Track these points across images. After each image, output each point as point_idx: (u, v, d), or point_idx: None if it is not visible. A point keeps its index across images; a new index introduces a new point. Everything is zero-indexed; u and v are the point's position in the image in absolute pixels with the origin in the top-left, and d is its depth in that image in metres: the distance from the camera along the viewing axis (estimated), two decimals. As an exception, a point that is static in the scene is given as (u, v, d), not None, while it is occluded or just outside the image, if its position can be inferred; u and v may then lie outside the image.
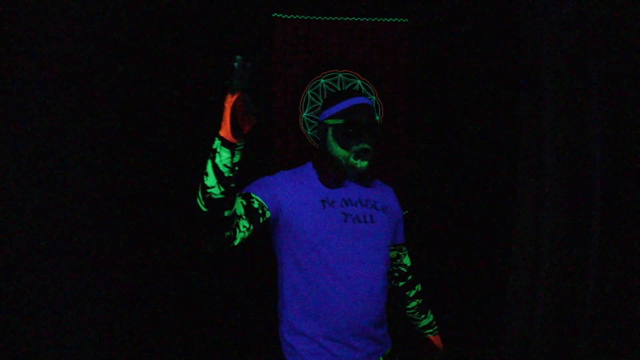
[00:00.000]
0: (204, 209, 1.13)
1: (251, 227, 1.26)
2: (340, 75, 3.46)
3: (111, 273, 2.27)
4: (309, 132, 3.47)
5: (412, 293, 1.67)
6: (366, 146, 1.41)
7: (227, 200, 1.13)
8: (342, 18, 3.41)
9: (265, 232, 1.42)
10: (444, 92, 3.30)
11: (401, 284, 1.66)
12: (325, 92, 3.46)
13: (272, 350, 1.49)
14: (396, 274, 1.66)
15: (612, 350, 1.96)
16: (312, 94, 3.45)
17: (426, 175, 3.32)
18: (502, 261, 2.84)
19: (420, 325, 1.69)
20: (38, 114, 1.84)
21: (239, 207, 1.24)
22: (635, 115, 1.88)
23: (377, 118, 3.46)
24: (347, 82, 3.46)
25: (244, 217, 1.24)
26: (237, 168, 1.15)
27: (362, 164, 1.42)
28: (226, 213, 1.14)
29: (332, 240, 1.36)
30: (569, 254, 2.11)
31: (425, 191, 3.32)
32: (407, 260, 1.68)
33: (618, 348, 1.94)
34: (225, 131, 1.11)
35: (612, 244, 1.99)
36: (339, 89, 3.44)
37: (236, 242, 1.23)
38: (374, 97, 3.47)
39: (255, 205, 1.30)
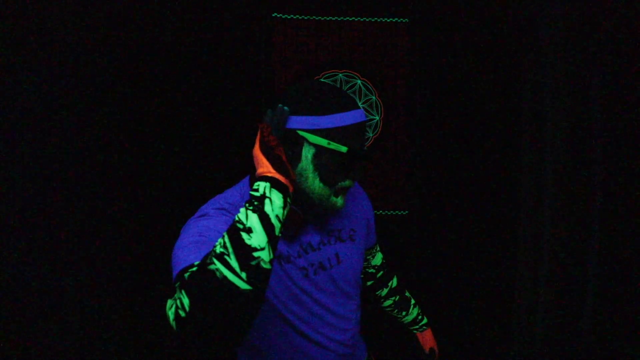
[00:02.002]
0: (245, 286, 0.76)
1: None
2: (340, 75, 3.46)
3: (111, 273, 2.27)
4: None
5: (385, 291, 1.51)
6: (349, 183, 1.07)
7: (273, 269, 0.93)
8: (342, 18, 3.41)
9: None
10: (444, 92, 3.30)
11: (369, 283, 1.51)
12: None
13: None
14: (361, 276, 1.45)
15: (612, 349, 1.96)
16: (312, 94, 3.43)
17: (426, 175, 3.32)
18: (504, 262, 2.84)
19: (404, 322, 1.54)
20: (38, 114, 1.84)
21: None
22: (635, 115, 1.88)
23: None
24: (347, 82, 3.46)
25: None
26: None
27: (341, 202, 1.08)
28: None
29: (291, 303, 1.14)
30: (571, 252, 2.11)
31: (426, 191, 3.32)
32: (376, 260, 1.50)
33: (618, 347, 1.94)
34: (266, 169, 0.89)
35: (612, 244, 1.99)
36: (339, 89, 3.44)
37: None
38: (373, 97, 3.47)
39: None
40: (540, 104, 2.17)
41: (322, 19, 3.39)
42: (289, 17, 3.36)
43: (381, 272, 1.52)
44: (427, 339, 1.55)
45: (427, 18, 3.35)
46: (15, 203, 1.76)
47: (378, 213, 3.40)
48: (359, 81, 3.46)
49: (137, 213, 2.64)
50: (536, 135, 2.20)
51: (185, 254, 0.89)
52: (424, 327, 1.56)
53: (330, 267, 1.18)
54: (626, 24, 1.86)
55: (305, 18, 3.37)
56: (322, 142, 0.99)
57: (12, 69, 1.74)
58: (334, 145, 0.99)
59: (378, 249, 1.50)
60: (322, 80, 3.44)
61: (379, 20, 3.43)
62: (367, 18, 3.42)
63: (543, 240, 2.18)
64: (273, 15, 3.33)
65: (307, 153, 1.01)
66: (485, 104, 3.13)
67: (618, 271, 1.97)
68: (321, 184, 1.04)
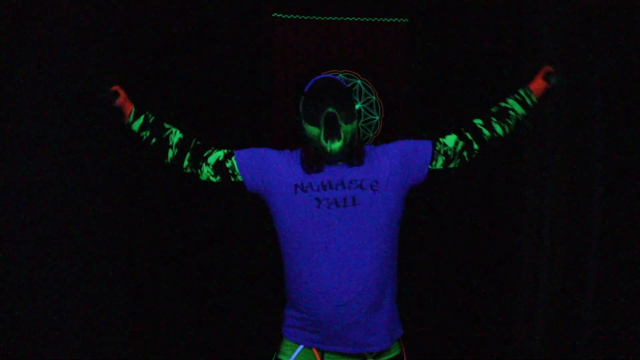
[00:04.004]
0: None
1: (218, 178, 1.45)
2: (340, 75, 3.46)
3: (111, 272, 2.27)
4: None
5: (484, 132, 1.49)
6: (331, 110, 1.30)
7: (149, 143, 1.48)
8: (342, 18, 3.41)
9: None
10: (444, 92, 3.30)
11: (476, 148, 1.50)
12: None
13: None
14: (465, 155, 1.50)
15: (612, 349, 1.96)
16: (312, 94, 3.44)
17: (427, 175, 3.32)
18: (505, 262, 2.84)
19: (529, 111, 1.50)
20: (37, 112, 1.84)
21: (213, 158, 1.44)
22: (635, 115, 1.88)
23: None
24: (347, 82, 3.46)
25: (210, 166, 1.44)
26: (147, 131, 1.48)
27: (332, 146, 1.31)
28: (170, 152, 1.47)
29: (301, 229, 1.33)
30: (571, 253, 2.11)
31: (425, 191, 3.32)
32: (450, 141, 1.49)
33: (618, 347, 1.94)
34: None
35: (612, 244, 1.99)
36: (339, 89, 3.45)
37: (202, 178, 1.47)
38: (373, 97, 3.48)
39: (228, 164, 1.44)
40: (541, 103, 2.17)
41: (322, 19, 3.39)
42: (289, 17, 3.36)
43: (467, 134, 1.50)
44: (536, 84, 1.51)
45: (427, 18, 3.35)
46: (15, 202, 1.76)
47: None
48: (359, 81, 3.47)
49: (137, 212, 2.64)
50: (537, 134, 2.20)
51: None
52: (529, 90, 1.50)
53: (344, 206, 1.32)
54: (626, 23, 1.86)
55: (305, 18, 3.38)
56: (300, 106, 1.40)
57: (12, 68, 1.74)
58: (301, 103, 1.40)
59: (442, 139, 1.50)
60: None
61: (379, 20, 3.43)
62: (367, 18, 3.42)
63: (544, 241, 2.18)
64: (273, 15, 3.34)
65: (302, 116, 1.39)
66: (485, 104, 3.12)
67: (618, 272, 1.97)
68: (310, 126, 1.34)
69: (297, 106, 1.42)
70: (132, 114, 1.47)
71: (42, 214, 1.85)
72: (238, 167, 1.43)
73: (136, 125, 1.47)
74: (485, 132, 1.48)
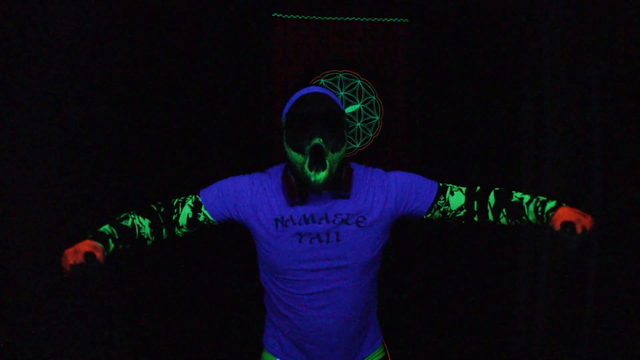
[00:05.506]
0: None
1: (196, 229, 1.37)
2: (340, 75, 3.46)
3: (111, 274, 2.27)
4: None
5: (491, 215, 1.36)
6: (318, 141, 1.19)
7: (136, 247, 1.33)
8: (342, 18, 3.40)
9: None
10: (444, 92, 3.29)
11: (476, 219, 1.39)
12: (325, 92, 3.43)
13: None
14: (463, 222, 1.42)
15: (612, 350, 1.96)
16: (312, 94, 3.42)
17: (426, 175, 3.32)
18: (504, 262, 2.84)
19: (534, 223, 1.32)
20: (37, 113, 1.84)
21: (183, 218, 1.34)
22: (635, 115, 1.88)
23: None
24: (347, 82, 3.46)
25: (184, 227, 1.35)
26: (119, 246, 1.25)
27: (316, 176, 1.21)
28: (148, 242, 1.34)
29: (281, 262, 1.28)
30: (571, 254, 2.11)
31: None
32: (457, 201, 1.38)
33: (618, 348, 1.94)
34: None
35: (612, 245, 1.99)
36: (338, 89, 3.45)
37: (180, 235, 1.37)
38: (373, 97, 3.47)
39: (201, 219, 1.34)
40: (540, 101, 2.17)
41: (322, 19, 3.38)
42: (289, 17, 3.35)
43: (475, 203, 1.37)
44: (556, 216, 1.23)
45: (427, 18, 3.34)
46: (15, 203, 1.76)
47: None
48: (359, 81, 3.46)
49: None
50: (536, 133, 2.20)
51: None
52: (551, 213, 1.25)
53: (327, 242, 1.27)
54: (626, 23, 1.86)
55: (305, 18, 3.37)
56: (283, 124, 1.30)
57: (13, 68, 1.74)
58: (284, 121, 1.28)
59: (451, 190, 1.39)
60: (325, 81, 3.44)
61: (379, 20, 3.43)
62: (367, 18, 3.42)
63: (543, 240, 2.18)
64: (273, 15, 3.33)
65: (284, 135, 1.28)
66: (485, 104, 3.12)
67: (618, 272, 1.97)
68: (294, 152, 1.24)
69: (281, 134, 1.30)
70: (103, 247, 1.19)
71: (42, 213, 1.85)
72: (213, 217, 1.34)
73: (110, 250, 1.23)
74: (490, 216, 1.37)
